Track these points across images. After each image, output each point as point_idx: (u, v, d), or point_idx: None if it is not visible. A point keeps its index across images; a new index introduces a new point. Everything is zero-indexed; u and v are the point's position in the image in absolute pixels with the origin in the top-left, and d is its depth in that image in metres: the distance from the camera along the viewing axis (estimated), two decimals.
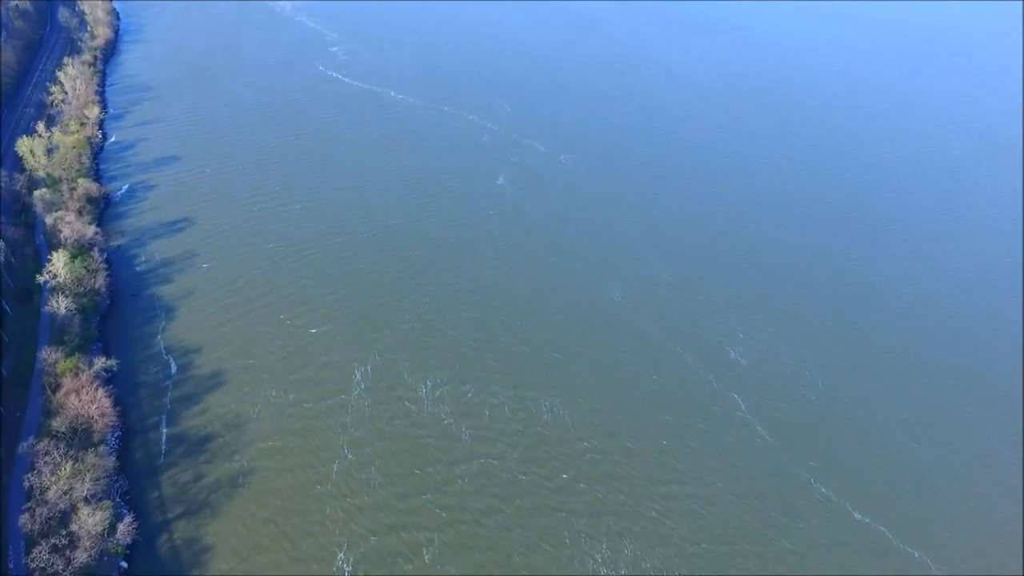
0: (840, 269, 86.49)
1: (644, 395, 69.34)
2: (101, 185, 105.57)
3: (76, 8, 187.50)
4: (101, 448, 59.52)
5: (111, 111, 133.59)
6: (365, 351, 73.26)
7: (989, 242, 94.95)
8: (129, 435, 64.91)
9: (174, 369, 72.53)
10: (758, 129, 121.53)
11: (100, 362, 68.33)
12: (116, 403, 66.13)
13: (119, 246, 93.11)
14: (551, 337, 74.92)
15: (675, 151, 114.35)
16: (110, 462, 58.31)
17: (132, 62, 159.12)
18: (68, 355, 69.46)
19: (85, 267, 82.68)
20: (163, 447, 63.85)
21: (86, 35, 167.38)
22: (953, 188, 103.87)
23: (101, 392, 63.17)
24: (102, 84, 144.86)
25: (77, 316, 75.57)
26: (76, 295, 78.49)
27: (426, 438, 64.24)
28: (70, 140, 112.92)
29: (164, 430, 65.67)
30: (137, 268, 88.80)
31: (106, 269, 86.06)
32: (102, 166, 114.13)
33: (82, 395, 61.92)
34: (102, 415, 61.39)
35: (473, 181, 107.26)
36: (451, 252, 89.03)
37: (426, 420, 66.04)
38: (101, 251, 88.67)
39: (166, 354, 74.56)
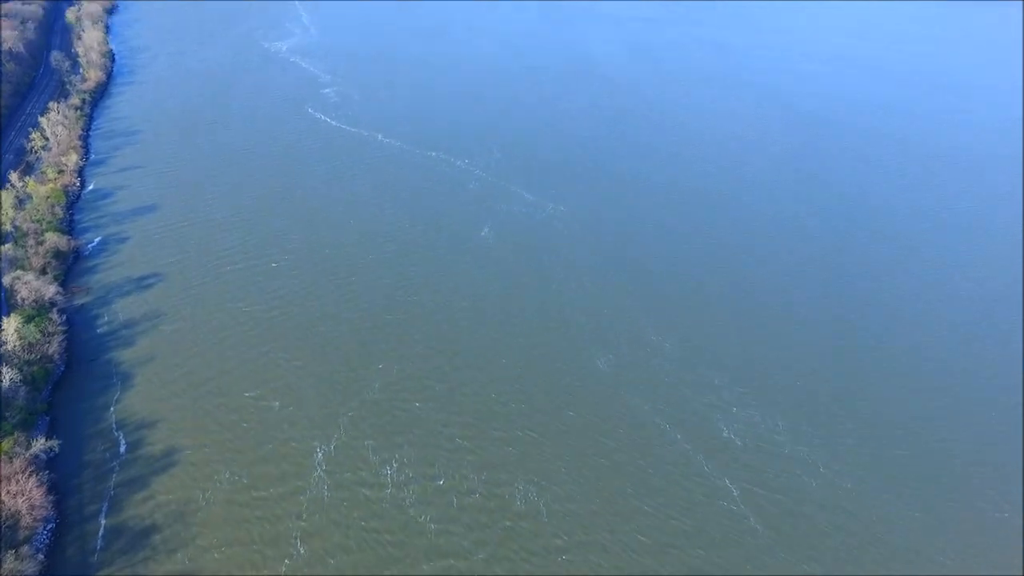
0: (847, 341, 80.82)
1: (626, 480, 63.56)
2: (72, 238, 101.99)
3: (71, 51, 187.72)
4: (25, 548, 54.15)
5: (93, 157, 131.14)
6: (329, 427, 68.06)
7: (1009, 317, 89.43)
8: (64, 527, 59.53)
9: (123, 448, 67.46)
10: (760, 184, 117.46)
11: (39, 443, 63.39)
12: (53, 489, 61.07)
13: (83, 305, 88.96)
14: (529, 412, 69.49)
15: (671, 204, 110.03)
16: (32, 566, 52.89)
17: (121, 106, 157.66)
18: (7, 434, 64.68)
19: (41, 330, 78.56)
20: (99, 542, 58.41)
21: (78, 78, 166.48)
22: (971, 254, 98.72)
23: (33, 482, 58.04)
24: (87, 128, 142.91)
25: (23, 388, 70.94)
26: (26, 363, 74.11)
27: (386, 533, 58.52)
28: (44, 190, 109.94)
29: (103, 520, 60.30)
30: (99, 330, 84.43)
31: (64, 332, 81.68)
32: (77, 216, 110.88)
33: (11, 485, 56.89)
34: (32, 508, 56.23)
35: (457, 232, 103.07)
36: (428, 315, 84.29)
37: (388, 510, 60.44)
38: (61, 312, 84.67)
39: (116, 429, 69.59)
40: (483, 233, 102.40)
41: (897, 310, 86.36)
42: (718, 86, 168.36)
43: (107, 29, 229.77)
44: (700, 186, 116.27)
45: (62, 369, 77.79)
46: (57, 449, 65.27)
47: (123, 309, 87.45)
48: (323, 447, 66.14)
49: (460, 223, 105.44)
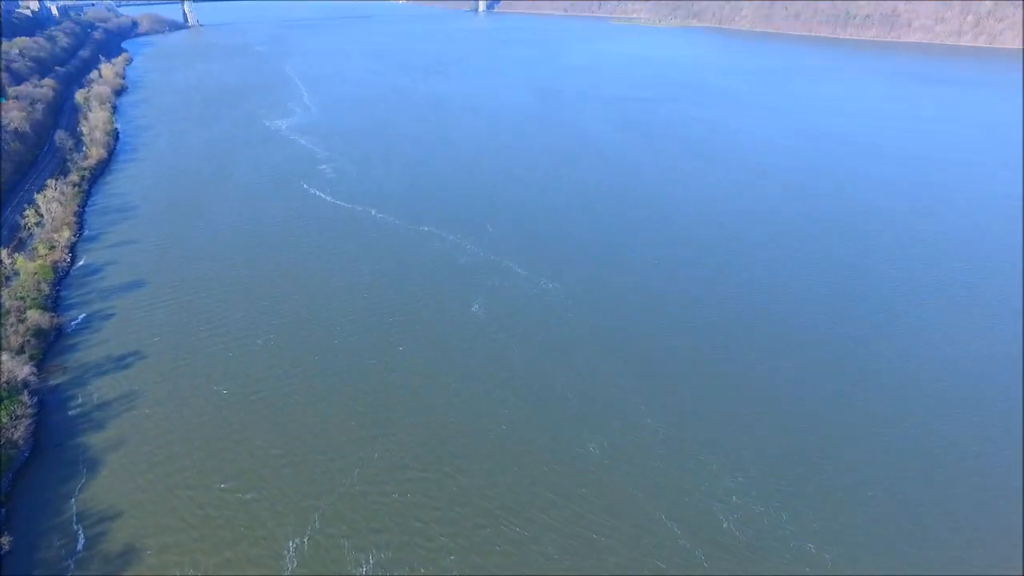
0: (851, 423, 77.69)
1: None
2: (55, 315, 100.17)
3: (77, 130, 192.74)
4: None
5: (87, 232, 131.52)
6: (303, 521, 63.63)
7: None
8: None
9: (80, 544, 62.70)
10: (754, 260, 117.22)
11: None
12: None
13: (57, 384, 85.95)
14: (517, 506, 65.26)
15: (665, 281, 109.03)
16: None
17: (119, 182, 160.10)
18: None
19: (9, 414, 75.36)
20: None
21: (80, 156, 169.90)
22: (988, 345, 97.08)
23: None
24: (83, 205, 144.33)
25: None
26: None
27: None
28: (32, 266, 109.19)
29: None
30: (71, 411, 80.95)
31: (34, 414, 78.31)
32: (64, 292, 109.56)
33: None
34: None
35: (446, 308, 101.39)
36: (412, 397, 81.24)
37: None
38: (33, 393, 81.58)
39: (76, 523, 65.01)
40: (473, 309, 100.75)
41: (899, 389, 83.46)
42: (710, 162, 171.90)
43: (114, 109, 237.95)
44: (694, 262, 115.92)
45: (26, 455, 73.83)
46: (8, 546, 60.67)
47: (98, 390, 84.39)
48: (296, 541, 61.55)
49: (450, 299, 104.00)
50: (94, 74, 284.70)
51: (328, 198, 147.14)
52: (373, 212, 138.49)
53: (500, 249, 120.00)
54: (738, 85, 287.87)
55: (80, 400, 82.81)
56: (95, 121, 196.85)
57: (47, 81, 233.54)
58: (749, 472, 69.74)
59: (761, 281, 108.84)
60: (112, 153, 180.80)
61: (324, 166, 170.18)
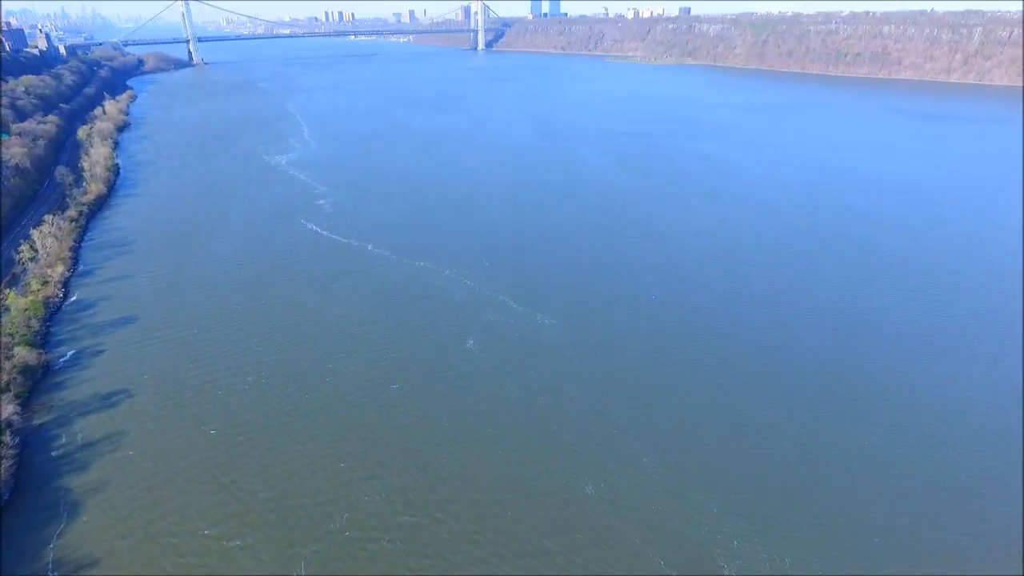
0: (850, 466, 75.73)
1: None
2: (43, 352, 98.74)
3: (78, 165, 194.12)
4: None
5: (81, 267, 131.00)
6: (288, 570, 61.18)
7: None
8: None
9: None
10: (752, 297, 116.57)
11: None
12: None
13: (42, 424, 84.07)
14: (510, 555, 62.86)
15: (662, 318, 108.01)
16: None
17: (117, 217, 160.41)
18: None
19: None
20: None
21: (79, 191, 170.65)
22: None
23: None
24: (80, 240, 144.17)
25: None
26: None
27: None
28: (23, 302, 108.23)
29: None
30: (54, 452, 78.91)
31: (16, 455, 76.39)
32: (54, 328, 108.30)
33: None
34: None
35: (440, 345, 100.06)
36: (403, 437, 79.31)
37: None
38: (16, 433, 79.64)
39: (52, 571, 62.55)
40: (468, 345, 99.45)
41: (896, 429, 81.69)
42: (708, 196, 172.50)
43: (116, 145, 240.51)
44: (692, 301, 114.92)
45: (6, 497, 71.55)
46: None
47: (83, 429, 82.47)
48: None
49: (445, 335, 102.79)
50: (98, 111, 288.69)
51: (325, 232, 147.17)
52: (369, 247, 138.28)
53: (496, 284, 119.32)
54: (735, 120, 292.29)
55: (64, 440, 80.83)
56: (96, 157, 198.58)
57: (51, 118, 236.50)
58: (751, 516, 67.51)
59: (762, 319, 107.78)
60: (112, 188, 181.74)
61: (322, 201, 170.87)
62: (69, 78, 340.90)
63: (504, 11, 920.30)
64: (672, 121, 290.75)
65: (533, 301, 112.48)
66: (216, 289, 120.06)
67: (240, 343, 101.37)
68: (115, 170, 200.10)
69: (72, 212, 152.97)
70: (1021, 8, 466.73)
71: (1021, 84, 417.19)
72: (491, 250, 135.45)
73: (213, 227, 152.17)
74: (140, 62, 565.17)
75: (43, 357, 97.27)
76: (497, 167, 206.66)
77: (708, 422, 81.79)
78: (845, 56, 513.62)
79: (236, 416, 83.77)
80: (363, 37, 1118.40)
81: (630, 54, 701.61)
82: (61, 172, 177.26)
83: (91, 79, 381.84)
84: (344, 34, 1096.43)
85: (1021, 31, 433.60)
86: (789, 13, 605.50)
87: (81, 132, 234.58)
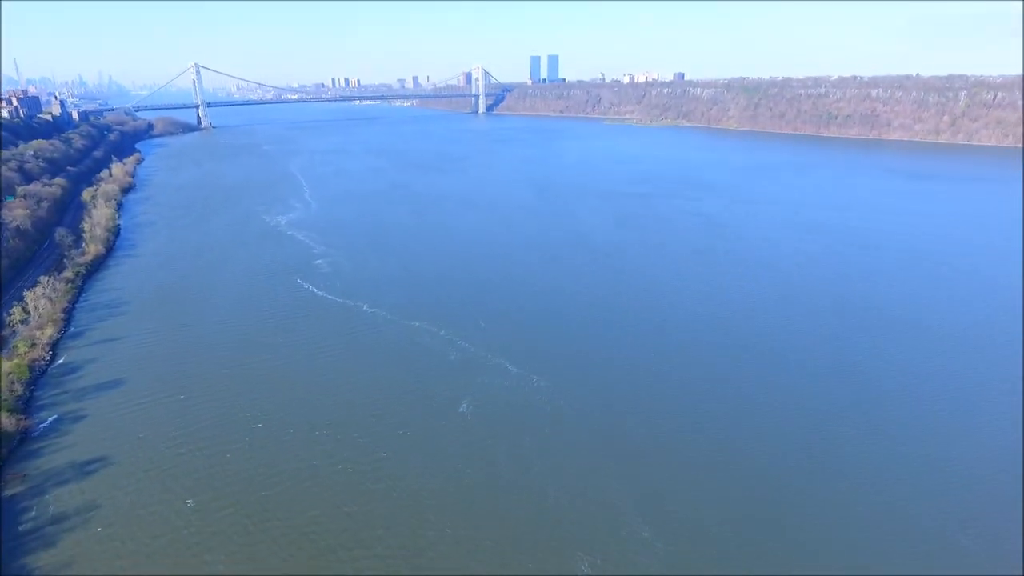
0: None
1: None
2: (23, 417, 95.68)
3: (79, 227, 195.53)
4: None
5: (72, 329, 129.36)
6: None
7: None
8: None
9: None
10: (753, 358, 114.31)
11: None
12: None
13: (14, 495, 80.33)
14: None
15: (660, 380, 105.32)
16: None
17: (114, 278, 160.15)
18: None
19: None
20: None
21: (78, 252, 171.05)
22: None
23: None
24: (74, 301, 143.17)
25: None
26: None
27: None
28: (8, 365, 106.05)
29: None
30: (23, 526, 74.89)
31: None
32: (37, 392, 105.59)
33: None
34: None
35: (434, 407, 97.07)
36: (392, 511, 75.39)
37: None
38: None
39: None
40: (461, 409, 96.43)
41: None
42: (707, 256, 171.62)
43: (119, 206, 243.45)
44: (690, 362, 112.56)
45: None
46: None
47: (56, 501, 78.68)
48: None
49: (439, 398, 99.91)
50: (104, 173, 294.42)
51: (321, 293, 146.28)
52: (364, 307, 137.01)
53: (492, 345, 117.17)
54: (734, 180, 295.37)
55: (35, 513, 76.96)
56: (97, 218, 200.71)
57: (57, 180, 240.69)
58: None
59: (761, 380, 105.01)
60: (111, 249, 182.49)
61: (319, 260, 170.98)
62: (79, 142, 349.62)
63: (504, 77, 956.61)
64: (670, 181, 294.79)
65: (529, 363, 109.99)
66: (206, 352, 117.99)
67: (227, 407, 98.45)
68: (116, 231, 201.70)
69: (69, 273, 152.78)
70: (1003, 74, 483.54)
71: (1011, 143, 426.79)
72: (488, 311, 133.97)
73: (207, 288, 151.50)
74: (150, 126, 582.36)
75: (22, 423, 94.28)
76: (495, 228, 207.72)
77: (711, 493, 77.82)
78: (835, 118, 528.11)
79: (217, 486, 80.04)
80: (368, 102, 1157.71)
81: (626, 117, 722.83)
82: (61, 233, 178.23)
83: (100, 142, 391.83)
84: (350, 99, 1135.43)
85: (1006, 95, 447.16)
86: (780, 78, 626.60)
87: (86, 194, 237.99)
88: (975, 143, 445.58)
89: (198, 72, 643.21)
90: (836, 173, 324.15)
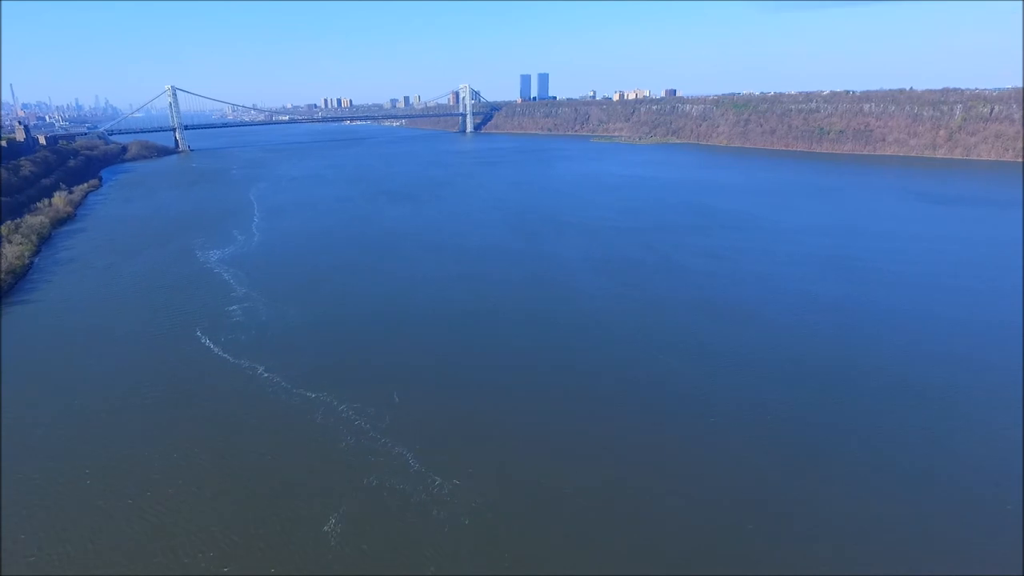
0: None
1: None
2: None
3: None
4: None
5: None
6: None
7: None
8: None
9: None
10: (761, 417, 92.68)
11: None
12: None
13: None
14: None
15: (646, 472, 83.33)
16: None
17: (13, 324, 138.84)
18: None
19: None
20: None
21: None
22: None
23: None
24: None
25: None
26: None
27: None
28: None
29: None
30: None
31: None
32: None
33: None
34: None
35: (289, 526, 75.25)
36: None
37: None
38: None
39: None
40: (325, 528, 74.62)
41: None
42: (703, 313, 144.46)
43: (44, 240, 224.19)
44: (688, 442, 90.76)
45: None
46: None
47: None
48: None
49: (301, 508, 78.13)
50: (43, 203, 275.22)
51: (216, 350, 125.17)
52: (260, 370, 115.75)
53: (398, 429, 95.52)
54: (730, 206, 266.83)
55: None
56: (7, 253, 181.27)
57: None
58: None
59: (765, 443, 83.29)
60: (2, 294, 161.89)
61: (234, 307, 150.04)
62: (28, 169, 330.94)
63: (496, 95, 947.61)
64: (664, 209, 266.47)
65: (439, 455, 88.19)
66: (50, 443, 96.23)
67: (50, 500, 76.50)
68: (24, 270, 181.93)
69: None
70: (998, 87, 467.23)
71: (1011, 158, 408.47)
72: (407, 382, 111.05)
73: (96, 345, 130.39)
74: (124, 150, 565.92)
75: None
76: (453, 278, 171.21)
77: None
78: (828, 133, 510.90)
79: None
80: (359, 122, 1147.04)
81: (615, 134, 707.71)
82: None
83: (56, 169, 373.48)
84: (340, 119, 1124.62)
85: (1003, 108, 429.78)
86: (771, 93, 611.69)
87: (4, 228, 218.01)
88: (974, 158, 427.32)
89: (174, 94, 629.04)
90: (861, 198, 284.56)
